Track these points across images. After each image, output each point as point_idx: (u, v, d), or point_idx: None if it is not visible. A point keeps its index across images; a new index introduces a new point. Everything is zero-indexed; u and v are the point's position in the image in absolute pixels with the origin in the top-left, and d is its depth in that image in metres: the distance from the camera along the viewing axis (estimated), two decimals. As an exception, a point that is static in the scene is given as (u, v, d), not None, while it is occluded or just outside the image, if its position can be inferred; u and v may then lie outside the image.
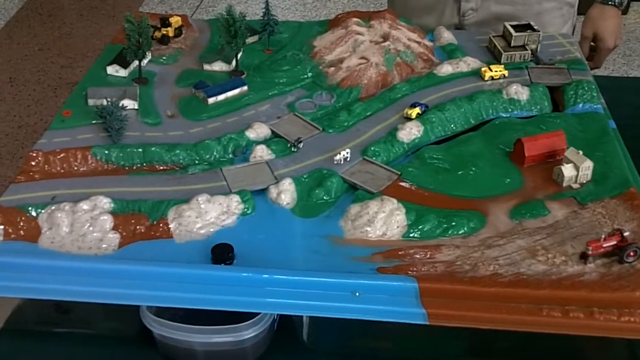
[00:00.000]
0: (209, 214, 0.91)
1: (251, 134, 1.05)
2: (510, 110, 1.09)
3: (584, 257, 0.80)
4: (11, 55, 3.14)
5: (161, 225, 0.91)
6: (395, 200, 0.91)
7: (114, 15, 3.47)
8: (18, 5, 3.53)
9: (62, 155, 1.01)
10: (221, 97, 1.12)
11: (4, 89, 2.92)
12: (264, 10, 1.23)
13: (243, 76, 1.18)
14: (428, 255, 0.84)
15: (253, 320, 0.85)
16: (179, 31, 1.27)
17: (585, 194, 0.91)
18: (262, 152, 1.02)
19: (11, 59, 3.11)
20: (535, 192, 0.93)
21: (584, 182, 0.92)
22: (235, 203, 0.93)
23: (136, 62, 1.16)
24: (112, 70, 1.17)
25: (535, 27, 1.20)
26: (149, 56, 1.19)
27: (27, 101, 2.86)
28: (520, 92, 1.09)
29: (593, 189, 0.91)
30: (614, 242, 0.79)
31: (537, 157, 0.97)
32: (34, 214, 0.91)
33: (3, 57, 3.13)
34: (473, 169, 0.98)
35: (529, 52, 1.19)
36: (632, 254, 0.79)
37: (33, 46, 3.21)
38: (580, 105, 1.08)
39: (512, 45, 1.19)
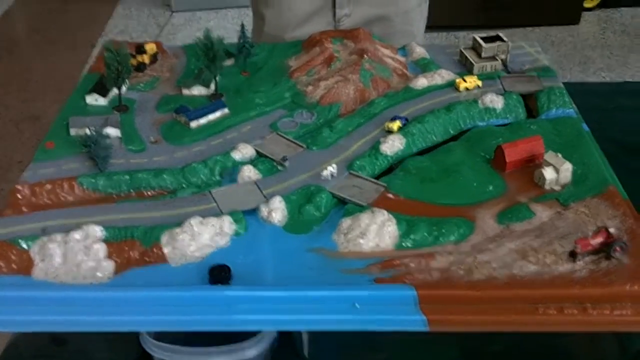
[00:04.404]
0: (202, 236, 0.92)
1: (237, 155, 1.06)
2: (486, 118, 1.12)
3: (573, 255, 0.83)
4: (-29, 92, 3.10)
5: (155, 250, 0.91)
6: (385, 212, 0.93)
7: (73, 47, 3.46)
8: (-25, 41, 3.48)
9: (48, 186, 1.00)
10: (203, 120, 1.13)
11: (-36, 127, 2.88)
12: (239, 32, 1.25)
13: (222, 99, 1.19)
14: (423, 263, 0.86)
15: (254, 338, 0.86)
16: (154, 58, 1.28)
17: (567, 195, 0.94)
18: (249, 172, 1.03)
19: (-29, 96, 3.07)
20: (518, 196, 0.96)
21: (565, 183, 0.96)
22: (227, 224, 0.94)
23: (115, 90, 1.16)
24: (91, 99, 1.17)
25: (504, 38, 1.25)
26: (127, 84, 1.19)
27: (-10, 137, 2.82)
28: (495, 100, 1.13)
29: (574, 190, 0.95)
30: (602, 239, 0.82)
31: (517, 162, 1.00)
32: (25, 246, 0.90)
33: (-37, 94, 3.09)
34: (457, 177, 1.00)
35: (500, 62, 1.23)
36: (618, 249, 0.82)
37: (-7, 82, 3.17)
38: (554, 110, 1.12)
39: (482, 56, 1.24)
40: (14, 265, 0.89)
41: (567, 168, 0.95)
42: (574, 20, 3.63)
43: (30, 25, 3.75)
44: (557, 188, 0.96)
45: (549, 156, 0.97)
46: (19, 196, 0.99)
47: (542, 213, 0.91)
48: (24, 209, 0.98)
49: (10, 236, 0.91)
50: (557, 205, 0.93)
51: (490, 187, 0.98)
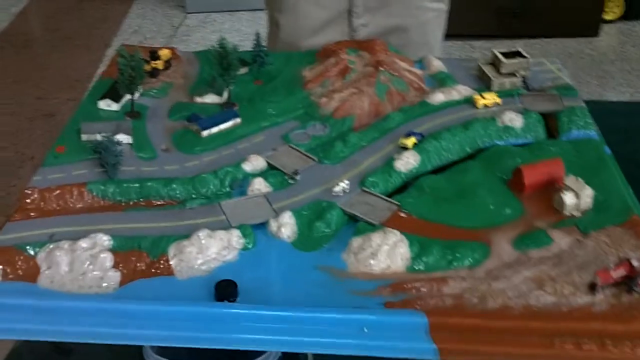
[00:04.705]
0: (210, 250, 0.90)
1: (247, 167, 1.04)
2: (505, 137, 1.09)
3: (592, 287, 0.80)
4: (-15, 88, 3.10)
5: (162, 261, 0.89)
6: (397, 232, 0.90)
7: (88, 46, 3.46)
8: (-8, 36, 3.49)
9: (57, 192, 0.99)
10: (215, 129, 1.12)
11: (-22, 122, 2.88)
12: (254, 41, 1.23)
13: (235, 108, 1.17)
14: (435, 288, 0.83)
15: (259, 358, 0.84)
16: (168, 64, 1.27)
17: (587, 222, 0.91)
18: (259, 185, 1.01)
19: (-15, 92, 3.08)
20: (536, 221, 0.93)
21: (585, 209, 0.93)
22: (236, 238, 0.92)
23: (128, 96, 1.15)
24: (104, 104, 1.16)
25: (525, 54, 1.22)
26: (140, 90, 1.18)
27: (2, 133, 2.82)
28: (514, 119, 1.10)
29: (595, 217, 0.92)
30: (624, 272, 0.79)
31: (536, 184, 0.97)
32: (32, 252, 0.89)
33: (-23, 89, 3.09)
34: (473, 198, 0.98)
35: (520, 78, 1.20)
36: (641, 283, 0.79)
37: (6, 79, 3.17)
38: (575, 131, 1.09)
39: (502, 72, 1.21)
40: (20, 272, 0.88)
41: (588, 194, 0.93)
42: (593, 32, 3.58)
43: (46, 23, 3.76)
44: (577, 214, 0.93)
45: (570, 180, 0.94)
46: (27, 201, 0.98)
47: (561, 240, 0.88)
48: (32, 214, 0.97)
49: (18, 241, 0.90)
50: (576, 232, 0.90)
51: (507, 210, 0.96)
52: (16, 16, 3.71)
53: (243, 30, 3.46)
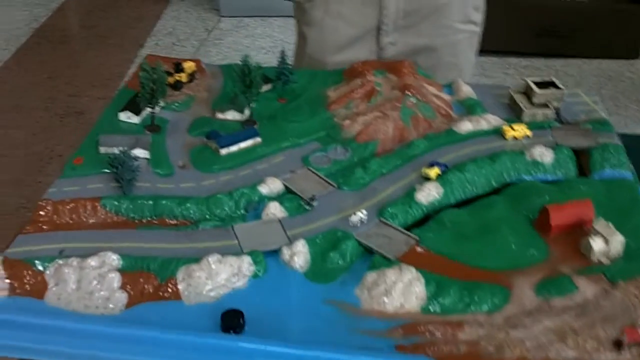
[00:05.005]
0: (219, 276, 0.88)
1: (264, 189, 1.02)
2: (533, 173, 1.05)
3: (618, 344, 0.75)
4: (19, 83, 3.13)
5: (170, 285, 0.87)
6: (414, 269, 0.87)
7: (122, 45, 3.47)
8: (29, 32, 3.53)
9: (71, 205, 0.98)
10: (234, 147, 1.09)
11: (11, 116, 2.91)
12: (279, 59, 1.21)
13: (256, 126, 1.14)
14: (449, 333, 0.80)
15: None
16: (192, 77, 1.25)
17: (616, 270, 0.86)
18: (274, 210, 0.98)
19: (19, 86, 3.10)
20: (561, 266, 0.89)
21: (614, 256, 0.88)
22: (246, 264, 0.89)
23: (149, 109, 1.13)
24: (124, 116, 1.14)
25: (559, 85, 1.17)
26: (161, 103, 1.16)
27: (34, 129, 2.84)
28: (544, 154, 1.05)
29: (624, 266, 0.87)
30: (653, 331, 0.74)
31: (563, 226, 0.93)
32: (41, 268, 0.88)
33: (11, 84, 3.12)
34: (495, 236, 0.94)
35: (553, 110, 1.16)
36: (672, 344, 0.74)
37: (41, 74, 3.20)
38: (608, 170, 1.04)
39: (534, 102, 1.16)
40: (27, 287, 0.87)
41: (618, 240, 0.88)
42: (634, 54, 3.48)
43: (82, 20, 3.79)
44: (605, 261, 0.88)
45: (599, 224, 0.90)
46: (41, 213, 0.97)
47: (586, 288, 0.84)
48: (44, 227, 0.96)
49: (28, 255, 0.89)
50: (603, 281, 0.85)
51: (531, 252, 0.91)
52: (54, 12, 3.75)
53: (275, 37, 3.44)
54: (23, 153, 2.69)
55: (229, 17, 3.68)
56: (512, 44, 3.35)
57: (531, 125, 1.12)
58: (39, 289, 0.86)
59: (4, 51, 3.35)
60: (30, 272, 0.87)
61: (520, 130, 1.10)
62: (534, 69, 3.28)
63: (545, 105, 1.16)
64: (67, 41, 3.54)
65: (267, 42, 3.41)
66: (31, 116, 2.91)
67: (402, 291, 0.85)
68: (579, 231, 0.92)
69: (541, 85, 1.17)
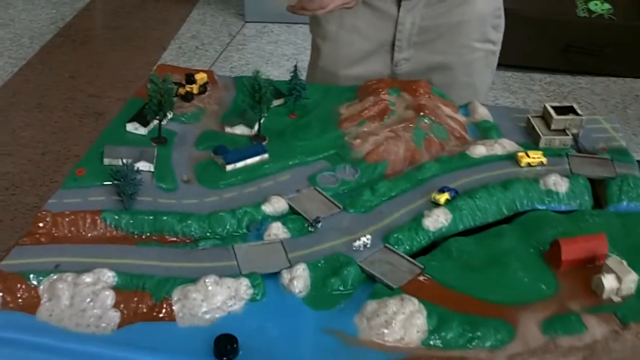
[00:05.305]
0: (215, 298, 0.86)
1: (268, 208, 0.99)
2: (547, 202, 1.01)
3: (624, 394, 0.72)
4: (42, 81, 3.15)
5: (165, 305, 0.85)
6: (416, 301, 0.84)
7: (145, 47, 3.48)
8: (53, 31, 3.55)
9: (71, 218, 0.96)
10: (240, 164, 1.07)
11: (32, 115, 2.92)
12: (291, 73, 1.18)
13: (264, 142, 1.12)
14: (449, 371, 0.77)
15: None
16: (203, 88, 1.23)
17: (628, 310, 0.82)
18: (277, 231, 0.96)
19: (42, 85, 3.12)
20: (570, 302, 0.85)
21: (627, 295, 0.84)
22: (244, 287, 0.87)
23: (156, 120, 1.12)
24: (131, 127, 1.13)
25: (579, 111, 1.13)
26: (170, 114, 1.14)
27: (53, 128, 2.86)
28: (559, 183, 1.02)
29: (637, 306, 0.83)
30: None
31: (574, 261, 0.89)
32: (35, 282, 0.87)
33: (34, 82, 3.14)
34: (503, 268, 0.90)
35: (570, 137, 1.12)
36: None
37: (64, 73, 3.22)
38: (625, 203, 1.00)
39: (552, 128, 1.13)
40: (20, 301, 0.86)
41: (632, 279, 0.84)
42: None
43: (107, 20, 3.81)
44: (616, 300, 0.84)
45: (612, 261, 0.86)
46: (40, 225, 0.96)
47: (596, 329, 0.80)
48: (42, 239, 0.94)
49: (23, 268, 0.88)
50: (614, 321, 0.81)
51: (540, 286, 0.88)
52: (80, 11, 3.77)
53: (299, 44, 3.42)
54: (41, 152, 2.70)
55: (253, 23, 3.67)
56: (539, 59, 3.29)
57: (547, 152, 1.08)
58: (32, 304, 0.85)
59: (28, 49, 3.38)
60: (23, 286, 0.86)
61: (535, 157, 1.06)
62: (558, 85, 3.22)
63: (563, 132, 1.12)
64: (90, 41, 3.56)
65: (290, 49, 3.39)
66: (52, 115, 2.93)
67: (402, 323, 0.82)
68: (591, 267, 0.89)
69: (560, 110, 1.14)
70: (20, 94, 3.05)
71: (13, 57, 3.31)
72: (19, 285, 0.86)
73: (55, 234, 0.95)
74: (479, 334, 0.81)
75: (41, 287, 0.86)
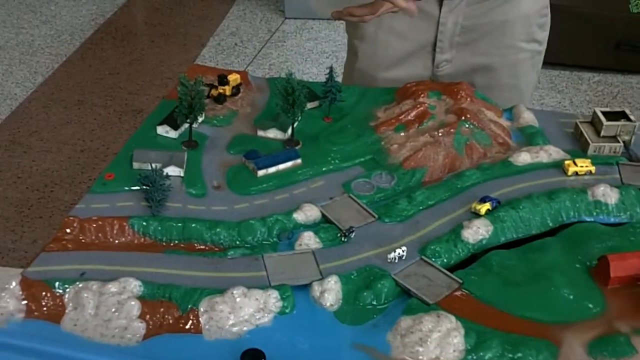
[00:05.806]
0: (243, 310, 0.83)
1: (299, 217, 0.96)
2: (595, 214, 0.96)
3: None
4: (82, 78, 3.18)
5: (191, 317, 0.83)
6: (453, 318, 0.79)
7: (184, 44, 3.49)
8: (94, 27, 3.59)
9: (98, 224, 0.94)
10: (272, 169, 1.04)
11: (72, 112, 2.95)
12: (327, 75, 1.14)
13: (298, 147, 1.09)
14: (487, 395, 0.72)
15: None
16: (236, 90, 1.20)
17: (683, 336, 0.77)
18: (309, 240, 0.92)
19: (82, 82, 3.15)
20: (619, 323, 0.80)
21: (681, 319, 0.79)
22: (273, 300, 0.84)
23: (187, 123, 1.09)
24: (162, 130, 1.11)
25: (631, 117, 1.07)
26: (202, 117, 1.12)
27: (92, 125, 2.88)
28: (608, 194, 0.96)
29: (691, 331, 0.77)
30: None
31: (624, 278, 0.84)
32: (60, 290, 0.85)
33: (75, 79, 3.18)
34: (547, 284, 0.85)
35: (621, 144, 1.05)
36: None
37: (104, 70, 3.25)
38: (680, 217, 0.94)
39: (601, 135, 1.06)
40: (44, 309, 0.84)
41: (686, 301, 0.78)
42: None
43: (147, 17, 3.83)
44: (669, 323, 0.79)
45: (665, 281, 0.80)
46: (67, 230, 0.94)
47: (646, 354, 0.75)
48: (69, 245, 0.93)
49: (49, 276, 0.86)
50: (666, 346, 0.76)
51: (586, 304, 0.83)
52: (120, 8, 3.81)
53: (338, 40, 3.38)
54: (80, 149, 2.73)
55: (293, 19, 3.64)
56: (586, 57, 3.17)
57: (596, 160, 1.02)
58: (57, 313, 0.84)
59: (69, 45, 3.42)
60: (48, 294, 0.84)
61: (583, 166, 1.00)
62: (607, 84, 3.11)
63: (613, 138, 1.06)
64: (130, 38, 3.58)
65: (330, 46, 3.35)
66: (92, 112, 2.95)
67: (438, 342, 0.78)
68: (643, 286, 0.83)
69: (611, 115, 1.07)
70: (60, 91, 3.09)
71: (54, 53, 3.35)
72: (44, 293, 0.85)
73: (82, 240, 0.94)
74: (519, 354, 0.76)
75: (66, 295, 0.85)
